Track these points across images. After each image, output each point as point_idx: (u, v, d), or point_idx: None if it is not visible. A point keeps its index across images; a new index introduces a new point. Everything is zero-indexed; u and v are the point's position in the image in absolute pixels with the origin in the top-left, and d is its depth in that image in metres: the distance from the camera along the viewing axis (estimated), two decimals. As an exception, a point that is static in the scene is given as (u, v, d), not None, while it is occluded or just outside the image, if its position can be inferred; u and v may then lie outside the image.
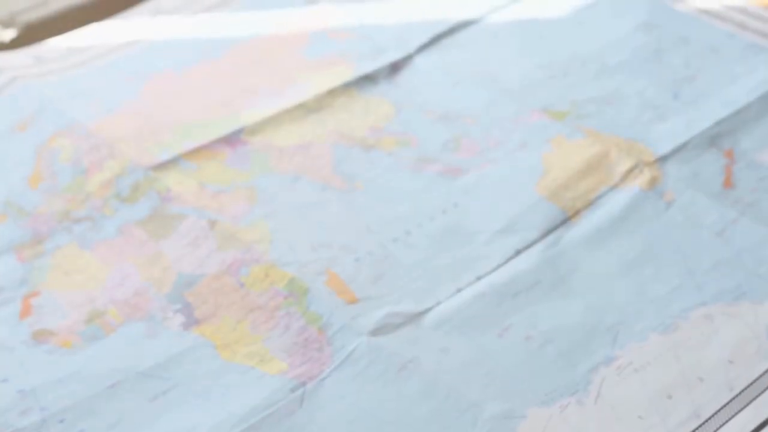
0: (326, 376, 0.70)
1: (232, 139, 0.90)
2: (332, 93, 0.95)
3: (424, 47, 1.01)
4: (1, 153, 0.90)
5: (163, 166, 0.87)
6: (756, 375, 0.68)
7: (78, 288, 0.77)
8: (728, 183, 0.84)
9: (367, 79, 0.97)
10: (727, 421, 0.65)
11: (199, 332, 0.73)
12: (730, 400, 0.67)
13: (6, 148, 0.90)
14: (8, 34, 1.04)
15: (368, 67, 0.98)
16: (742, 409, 0.66)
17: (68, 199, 0.84)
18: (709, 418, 0.66)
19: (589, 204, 0.82)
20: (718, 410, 0.66)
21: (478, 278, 0.76)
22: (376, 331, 0.72)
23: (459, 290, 0.75)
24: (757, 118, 0.90)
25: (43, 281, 0.77)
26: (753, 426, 0.65)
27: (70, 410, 0.68)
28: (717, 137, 0.88)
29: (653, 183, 0.83)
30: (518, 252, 0.78)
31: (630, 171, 0.84)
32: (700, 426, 0.65)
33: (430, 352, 0.71)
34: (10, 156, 0.89)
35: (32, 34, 1.03)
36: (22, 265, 0.79)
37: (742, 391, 0.67)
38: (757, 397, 0.67)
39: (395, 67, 0.98)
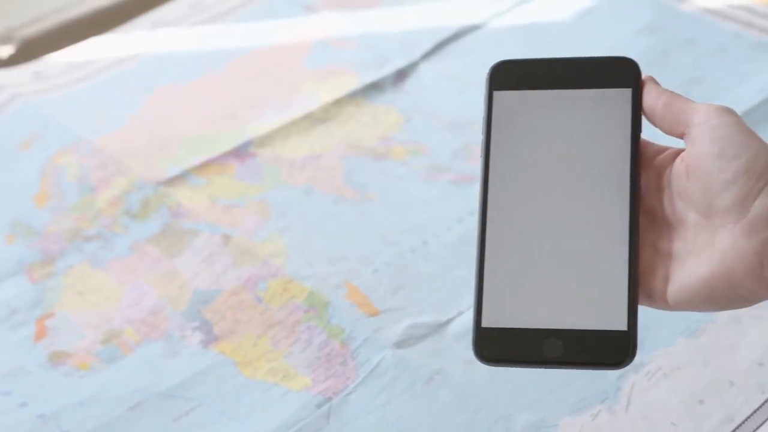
0: (352, 390, 0.69)
1: (240, 152, 0.89)
2: (339, 103, 0.94)
3: (428, 54, 1.00)
4: (6, 172, 0.88)
5: (172, 181, 0.86)
6: (788, 377, 0.68)
7: (93, 308, 0.75)
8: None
9: (374, 88, 0.96)
10: (761, 425, 0.65)
11: (218, 350, 0.72)
12: (763, 403, 0.66)
13: (10, 168, 0.89)
14: (6, 51, 1.02)
15: (374, 76, 0.97)
16: (776, 412, 0.65)
17: (77, 217, 0.83)
18: (743, 422, 0.65)
19: (607, 208, 0.81)
20: (752, 414, 0.65)
21: (499, 287, 0.75)
22: (401, 343, 0.71)
23: (480, 299, 0.74)
24: (766, 118, 0.90)
25: (57, 302, 0.76)
26: (788, 429, 0.65)
27: (92, 434, 0.67)
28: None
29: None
30: (538, 259, 0.77)
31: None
32: (734, 430, 0.65)
33: (456, 363, 0.70)
34: (15, 175, 0.88)
35: (31, 49, 1.02)
36: (34, 287, 0.77)
37: (776, 393, 0.67)
38: (790, 399, 0.66)
39: (401, 75, 0.97)
